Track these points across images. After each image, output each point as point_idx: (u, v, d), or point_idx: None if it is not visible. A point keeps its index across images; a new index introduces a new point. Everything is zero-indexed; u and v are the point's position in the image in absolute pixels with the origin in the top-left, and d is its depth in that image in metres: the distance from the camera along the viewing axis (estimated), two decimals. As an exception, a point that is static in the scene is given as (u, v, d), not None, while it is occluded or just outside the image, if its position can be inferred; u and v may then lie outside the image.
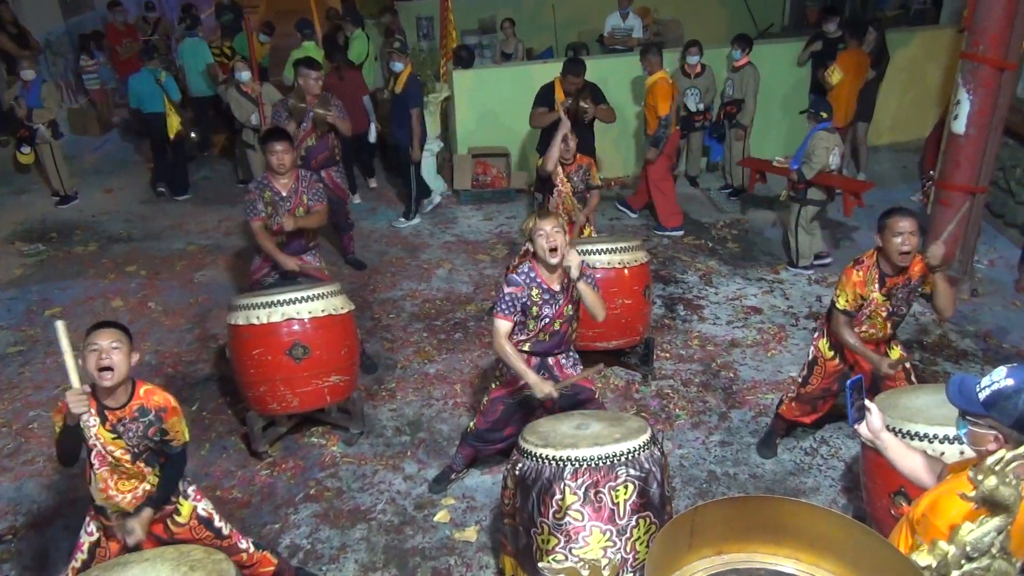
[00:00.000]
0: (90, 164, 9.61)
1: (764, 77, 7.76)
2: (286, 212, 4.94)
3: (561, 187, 5.47)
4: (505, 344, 3.73)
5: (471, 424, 4.21)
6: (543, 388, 3.66)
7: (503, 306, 3.72)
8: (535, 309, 3.74)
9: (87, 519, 3.21)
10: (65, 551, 4.00)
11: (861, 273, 3.86)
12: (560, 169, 5.47)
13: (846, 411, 2.52)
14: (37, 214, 8.18)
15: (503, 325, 3.73)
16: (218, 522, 3.33)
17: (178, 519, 3.24)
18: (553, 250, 3.62)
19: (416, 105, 7.23)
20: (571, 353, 4.01)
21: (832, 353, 4.14)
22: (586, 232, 5.65)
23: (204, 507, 3.32)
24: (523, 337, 3.83)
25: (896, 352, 4.07)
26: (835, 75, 7.40)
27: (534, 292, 3.72)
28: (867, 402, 2.54)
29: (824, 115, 6.25)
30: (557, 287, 3.74)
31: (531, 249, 3.75)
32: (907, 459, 2.50)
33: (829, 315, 4.13)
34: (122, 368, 2.95)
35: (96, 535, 3.18)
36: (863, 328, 3.97)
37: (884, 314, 3.89)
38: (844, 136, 7.73)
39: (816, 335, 4.26)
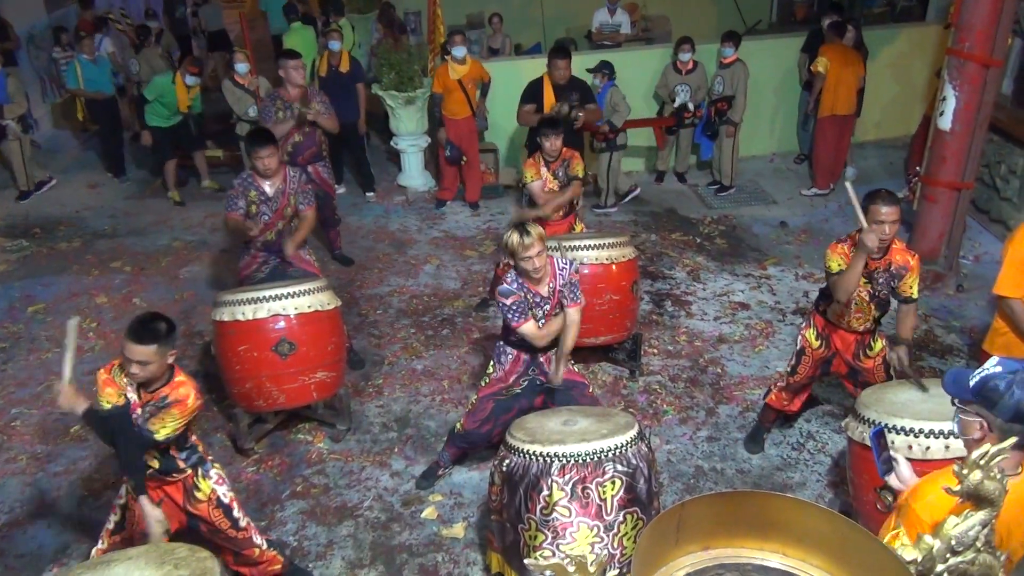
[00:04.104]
0: (74, 159, 9.52)
1: (752, 74, 7.77)
2: (274, 211, 4.91)
3: (548, 184, 5.44)
4: (538, 338, 3.80)
5: (458, 424, 4.20)
6: None
7: (514, 315, 3.75)
8: (529, 312, 3.81)
9: (121, 487, 3.36)
10: (48, 549, 3.98)
11: (845, 247, 3.89)
12: (546, 167, 5.44)
13: (877, 466, 2.53)
14: (20, 209, 8.09)
15: (528, 327, 3.77)
16: (237, 512, 3.38)
17: (197, 495, 3.31)
18: (539, 270, 3.70)
19: (362, 79, 7.72)
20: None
21: (818, 343, 4.17)
22: (577, 228, 5.63)
23: (226, 493, 3.36)
24: (515, 339, 3.88)
25: (879, 343, 4.10)
26: (821, 64, 7.43)
27: (528, 297, 3.79)
28: (892, 453, 2.54)
29: (606, 72, 7.24)
30: (545, 292, 3.80)
31: (512, 264, 3.78)
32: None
33: (817, 304, 4.17)
34: (149, 374, 3.06)
35: (124, 499, 3.31)
36: (852, 314, 3.98)
37: (866, 297, 3.92)
38: (847, 129, 7.76)
39: (803, 326, 4.29)
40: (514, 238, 3.63)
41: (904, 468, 2.54)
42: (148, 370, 3.03)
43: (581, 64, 7.26)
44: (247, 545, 3.42)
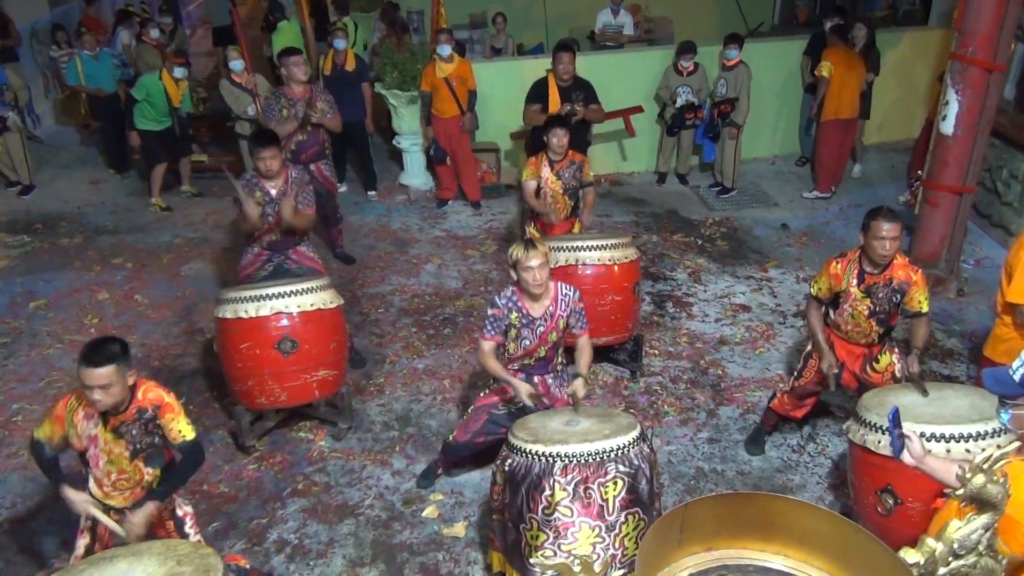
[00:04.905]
0: (76, 154, 9.52)
1: (754, 76, 7.77)
2: (277, 212, 4.90)
3: (551, 185, 5.43)
4: (488, 359, 3.86)
5: (451, 436, 4.21)
6: (525, 388, 3.78)
7: (487, 327, 3.84)
8: (514, 332, 3.83)
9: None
10: (49, 544, 3.99)
11: (840, 266, 3.92)
12: (549, 167, 5.43)
13: (891, 443, 2.54)
14: (22, 205, 8.10)
15: (486, 345, 3.86)
16: (188, 528, 3.34)
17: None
18: (539, 285, 3.73)
19: (366, 78, 7.78)
20: (560, 374, 4.04)
21: (826, 349, 4.16)
22: (575, 229, 5.63)
23: (180, 505, 3.33)
24: (507, 358, 3.91)
25: (887, 357, 4.07)
26: (825, 68, 7.45)
27: (513, 316, 3.81)
28: (905, 431, 2.55)
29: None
30: (538, 314, 3.81)
31: (515, 278, 3.79)
32: (952, 474, 2.43)
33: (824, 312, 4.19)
34: (115, 397, 2.98)
35: (90, 520, 3.22)
36: (848, 326, 4.00)
37: (865, 312, 3.92)
38: (850, 132, 7.78)
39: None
40: (519, 250, 3.69)
41: (917, 446, 2.52)
42: (111, 393, 2.93)
43: (584, 65, 7.25)
44: None
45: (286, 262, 5.06)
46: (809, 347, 4.26)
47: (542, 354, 3.89)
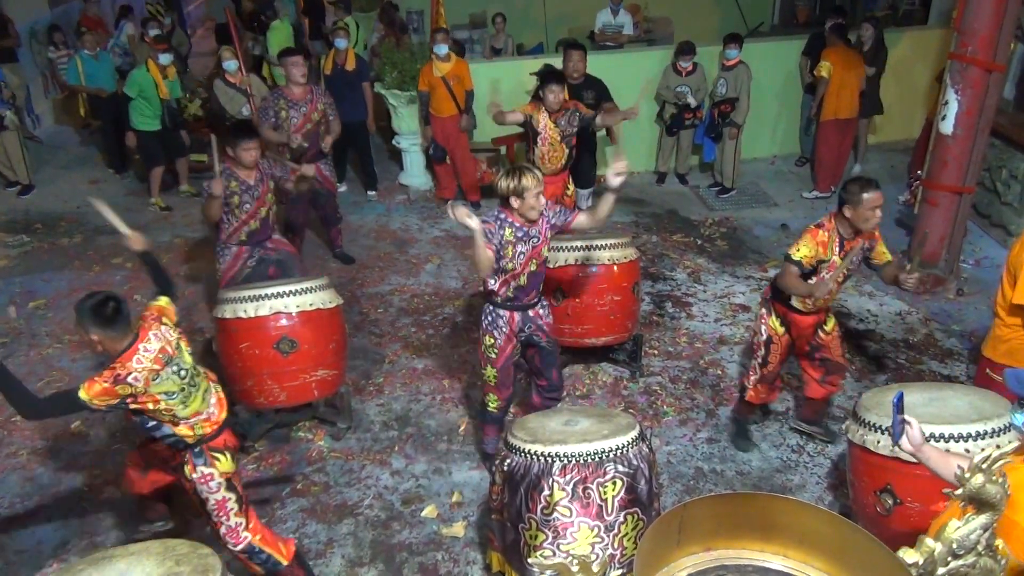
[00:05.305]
0: (75, 154, 9.51)
1: (754, 76, 7.77)
2: (256, 199, 5.06)
3: (548, 133, 5.49)
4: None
5: (492, 404, 4.23)
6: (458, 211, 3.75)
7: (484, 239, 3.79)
8: (510, 249, 3.84)
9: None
10: (48, 545, 3.98)
11: (825, 234, 3.99)
12: (545, 116, 5.52)
13: (892, 426, 2.52)
14: (21, 204, 8.10)
15: (490, 254, 3.78)
16: (211, 506, 3.35)
17: (184, 472, 3.35)
18: (541, 209, 3.80)
19: (367, 78, 7.75)
20: (543, 301, 4.17)
21: (783, 329, 4.25)
22: (570, 189, 5.70)
23: (204, 489, 3.33)
24: (500, 281, 3.92)
25: (832, 321, 4.25)
26: (824, 68, 7.46)
27: (507, 231, 3.82)
28: (907, 416, 2.54)
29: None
30: (534, 230, 3.87)
31: (513, 205, 3.80)
32: (949, 467, 2.44)
33: (777, 293, 4.20)
34: (97, 352, 3.16)
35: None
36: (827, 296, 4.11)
37: (840, 279, 4.02)
38: (849, 132, 7.79)
39: (764, 315, 4.33)
40: (527, 177, 3.72)
41: (916, 433, 2.50)
42: (95, 348, 3.13)
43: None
44: (214, 530, 3.41)
45: (266, 253, 5.21)
46: (764, 336, 4.31)
47: (533, 268, 3.93)
